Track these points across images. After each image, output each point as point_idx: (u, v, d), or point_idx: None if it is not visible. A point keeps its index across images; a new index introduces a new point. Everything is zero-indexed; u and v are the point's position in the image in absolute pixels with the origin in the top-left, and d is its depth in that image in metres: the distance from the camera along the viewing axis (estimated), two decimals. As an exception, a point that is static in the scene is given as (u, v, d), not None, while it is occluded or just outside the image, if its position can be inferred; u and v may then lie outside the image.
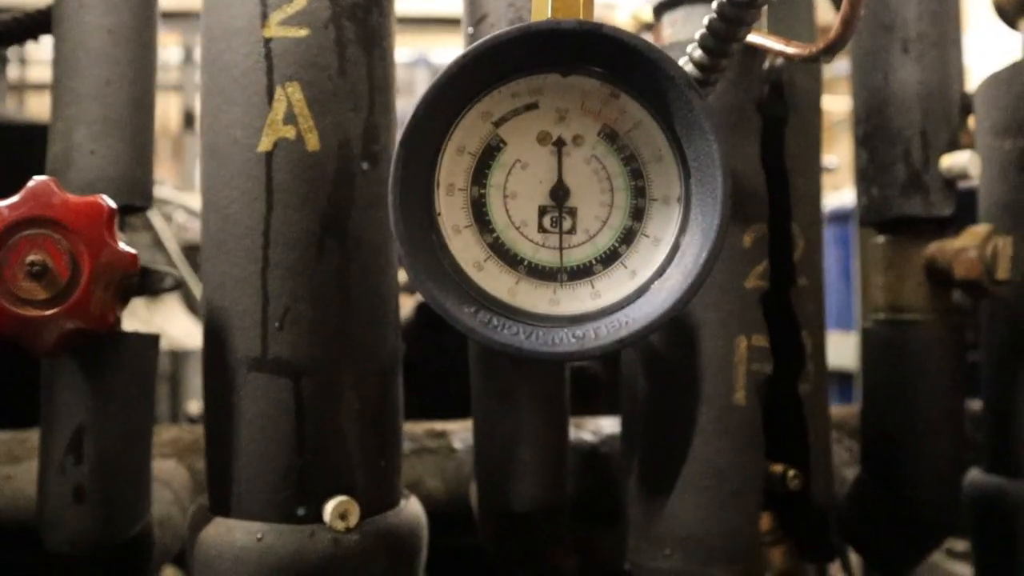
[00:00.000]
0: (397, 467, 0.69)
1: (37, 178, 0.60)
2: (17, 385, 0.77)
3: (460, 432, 0.93)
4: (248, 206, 0.63)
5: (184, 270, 1.74)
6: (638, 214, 0.48)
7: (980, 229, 0.73)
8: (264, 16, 0.64)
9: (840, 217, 1.77)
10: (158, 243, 1.81)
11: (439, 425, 0.94)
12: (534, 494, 0.69)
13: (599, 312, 0.46)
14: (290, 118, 0.63)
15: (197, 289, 1.66)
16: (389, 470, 0.67)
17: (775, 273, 0.67)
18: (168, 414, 1.73)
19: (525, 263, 0.47)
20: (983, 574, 0.80)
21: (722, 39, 0.53)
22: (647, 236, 0.48)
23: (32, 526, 0.68)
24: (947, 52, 0.77)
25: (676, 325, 0.67)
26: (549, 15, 0.47)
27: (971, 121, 0.82)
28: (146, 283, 0.75)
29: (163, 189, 2.00)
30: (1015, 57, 0.81)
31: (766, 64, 0.69)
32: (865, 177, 0.81)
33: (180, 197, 1.98)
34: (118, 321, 0.69)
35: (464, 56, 0.44)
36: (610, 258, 0.47)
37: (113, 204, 0.61)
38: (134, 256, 0.62)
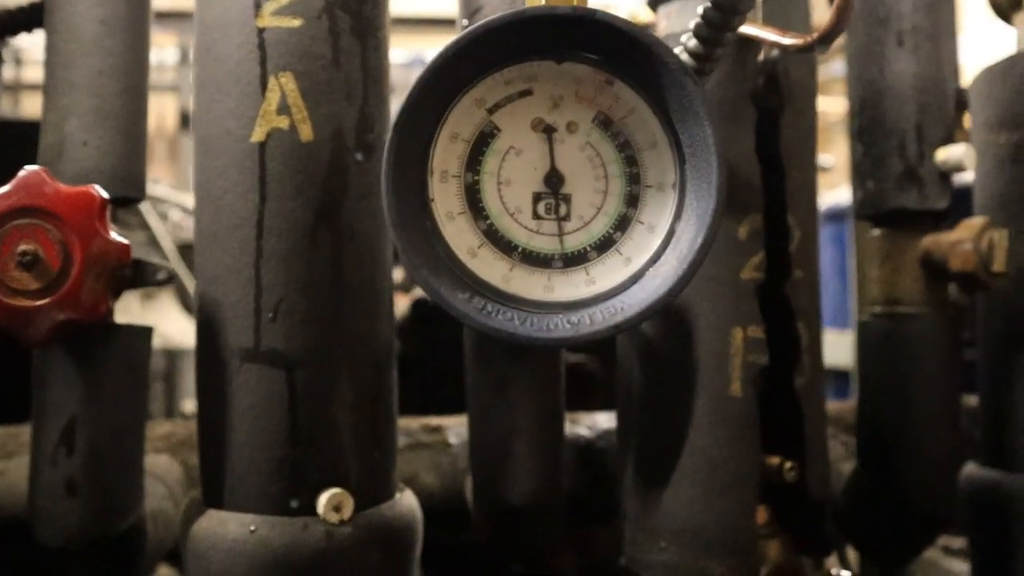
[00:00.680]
0: (392, 459, 0.68)
1: (28, 168, 0.59)
2: (10, 380, 0.76)
3: (456, 427, 0.93)
4: (241, 197, 0.63)
5: (180, 269, 1.73)
6: (633, 201, 0.47)
7: (976, 222, 0.73)
8: (257, 6, 0.63)
9: (836, 216, 1.77)
10: (153, 242, 1.81)
11: (434, 420, 0.94)
12: (530, 487, 0.69)
13: (594, 298, 0.46)
14: (283, 108, 0.63)
15: (192, 288, 1.65)
16: (384, 462, 0.67)
17: (771, 265, 0.67)
18: (164, 413, 1.73)
19: (519, 250, 0.47)
20: (980, 568, 0.79)
21: (717, 28, 0.53)
22: (642, 223, 0.47)
23: (25, 521, 0.67)
24: (942, 45, 0.77)
25: (671, 316, 0.66)
26: (544, 1, 0.47)
27: (967, 121, 0.82)
28: (139, 276, 0.75)
29: (159, 187, 2.00)
30: (1010, 52, 0.81)
31: (761, 56, 0.69)
32: (860, 170, 0.81)
33: (176, 196, 1.98)
34: (110, 312, 0.69)
35: (458, 41, 0.44)
36: (605, 245, 0.47)
37: (105, 194, 0.60)
38: (126, 246, 0.61)
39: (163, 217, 1.91)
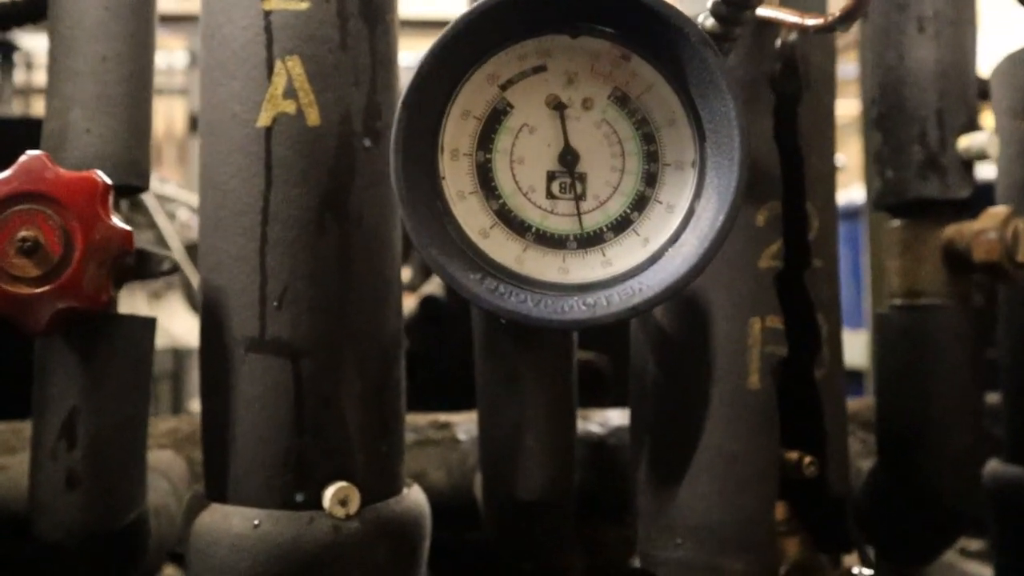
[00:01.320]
0: (400, 453, 0.67)
1: (30, 153, 0.58)
2: (13, 376, 0.75)
3: (464, 424, 0.91)
4: (247, 182, 0.62)
5: (188, 268, 1.72)
6: (651, 179, 0.46)
7: (1000, 210, 0.71)
8: (264, -12, 0.62)
9: (849, 214, 1.75)
10: (161, 241, 1.80)
11: (443, 416, 0.92)
12: (540, 482, 0.67)
13: (610, 280, 0.44)
14: (290, 92, 0.62)
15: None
16: (391, 456, 0.65)
17: (789, 254, 0.65)
18: (171, 413, 1.71)
19: (533, 230, 0.46)
20: (1004, 566, 0.77)
21: (735, 6, 0.52)
22: (660, 202, 0.46)
23: (27, 516, 0.66)
24: (964, 30, 0.75)
25: (687, 306, 0.65)
26: (558, -26, 0.46)
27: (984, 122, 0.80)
28: (143, 266, 0.73)
29: (167, 187, 1.99)
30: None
31: (779, 41, 0.67)
32: (879, 159, 0.79)
33: (184, 195, 1.97)
34: (113, 302, 0.67)
35: (469, 13, 0.43)
36: (622, 225, 0.46)
37: (108, 180, 0.59)
38: (129, 233, 0.60)
39: (171, 216, 1.91)
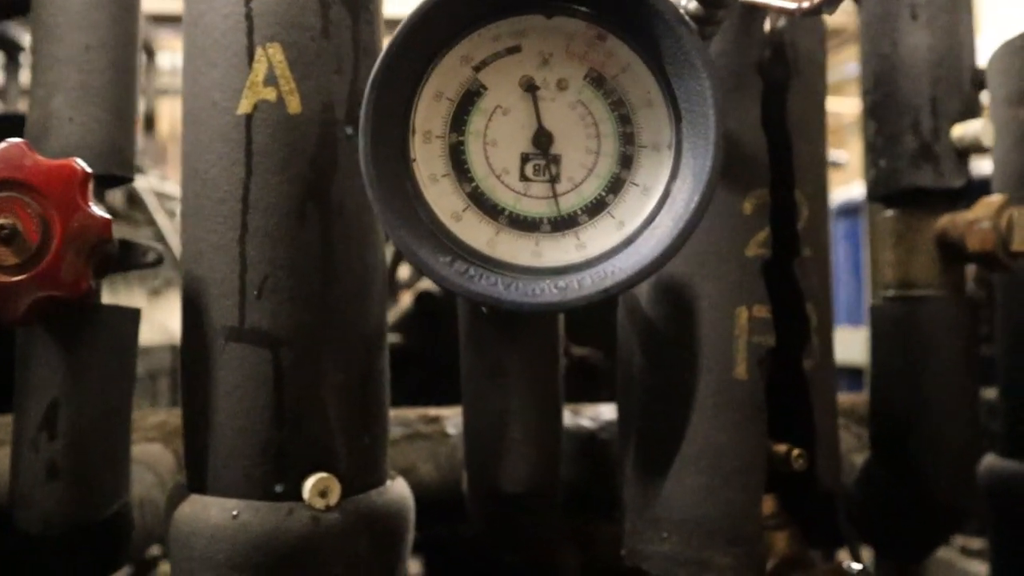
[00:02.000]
0: (383, 444, 0.66)
1: (8, 140, 0.58)
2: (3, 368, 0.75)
3: (454, 418, 0.90)
4: (227, 170, 0.61)
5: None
6: (626, 161, 0.45)
7: (994, 199, 0.70)
8: (245, -25, 0.62)
9: (849, 211, 1.73)
10: (160, 238, 1.80)
11: (433, 410, 0.92)
12: (525, 474, 0.66)
13: (584, 263, 0.43)
14: (271, 80, 0.61)
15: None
16: (374, 447, 0.64)
17: (777, 242, 0.64)
18: (168, 407, 1.71)
19: (506, 213, 0.45)
20: (1000, 562, 0.76)
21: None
22: (636, 184, 0.45)
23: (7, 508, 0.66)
24: (958, 17, 0.74)
25: (673, 295, 0.64)
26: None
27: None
28: (127, 257, 0.73)
29: (167, 184, 1.99)
30: (1030, 25, 0.78)
31: (768, 27, 0.66)
32: (873, 149, 0.77)
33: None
34: (94, 292, 0.67)
35: (438, -7, 0.42)
36: (597, 208, 0.45)
37: (87, 168, 0.59)
38: (108, 221, 0.59)
39: (171, 215, 1.91)
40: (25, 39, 2.77)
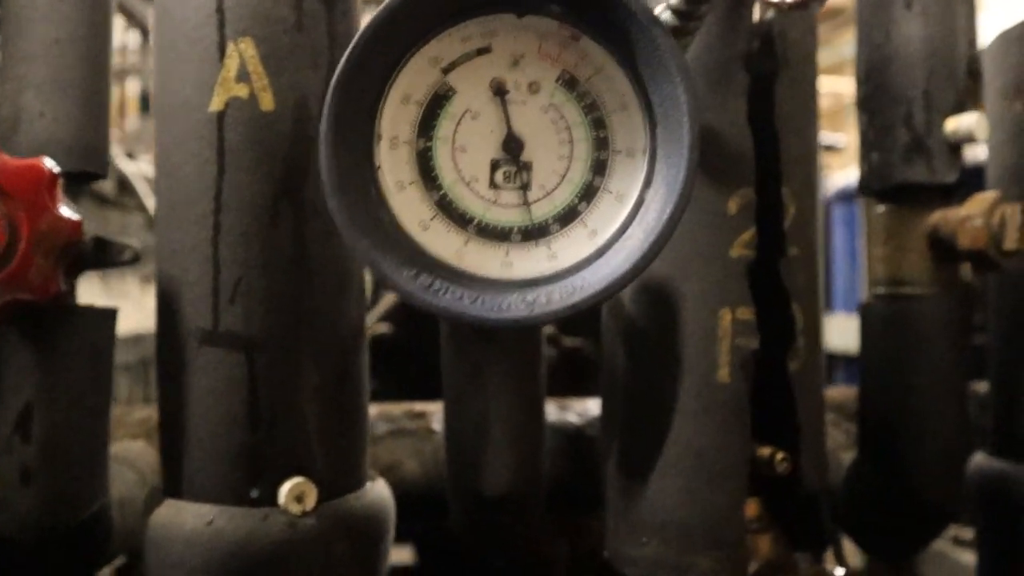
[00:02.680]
0: (362, 447, 0.65)
1: (-27, 140, 0.56)
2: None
3: (439, 413, 0.89)
4: (199, 169, 0.60)
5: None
6: (600, 167, 0.43)
7: (987, 196, 0.69)
8: (216, -33, 0.60)
9: (847, 197, 1.71)
10: (152, 224, 1.78)
11: (419, 405, 0.91)
12: (506, 477, 0.65)
13: (554, 275, 0.42)
14: (243, 76, 0.59)
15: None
16: (351, 450, 0.64)
17: (764, 242, 0.62)
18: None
19: (475, 222, 0.43)
20: (988, 561, 0.75)
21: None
22: (610, 192, 0.43)
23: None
24: (953, 7, 0.72)
25: (656, 296, 0.62)
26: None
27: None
28: (102, 255, 0.72)
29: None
30: (1028, 14, 0.76)
31: (756, 17, 0.64)
32: (865, 142, 0.76)
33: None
34: (66, 293, 0.65)
35: (403, -7, 0.40)
36: (569, 216, 0.43)
37: (56, 167, 0.57)
38: (78, 223, 0.58)
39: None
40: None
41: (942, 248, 0.70)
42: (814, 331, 0.66)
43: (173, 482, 0.61)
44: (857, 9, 0.76)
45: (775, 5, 0.56)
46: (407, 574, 1.19)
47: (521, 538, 0.71)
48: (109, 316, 0.69)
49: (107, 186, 1.66)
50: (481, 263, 0.43)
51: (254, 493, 0.59)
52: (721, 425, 0.61)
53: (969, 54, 0.75)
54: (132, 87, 2.84)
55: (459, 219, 0.43)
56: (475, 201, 0.43)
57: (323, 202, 0.61)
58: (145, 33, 3.29)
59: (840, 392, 0.95)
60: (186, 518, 0.58)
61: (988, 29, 0.80)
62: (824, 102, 0.73)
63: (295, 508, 0.58)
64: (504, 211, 0.43)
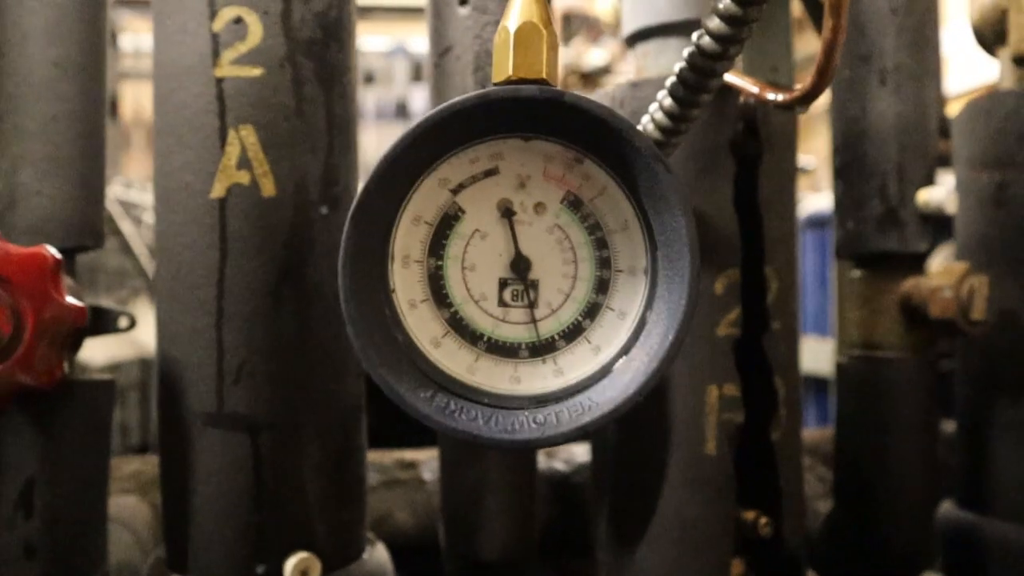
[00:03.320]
0: (362, 517, 0.67)
1: (-24, 230, 0.57)
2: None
3: (430, 462, 0.91)
4: (201, 255, 0.61)
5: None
6: (603, 286, 0.45)
7: (956, 268, 0.72)
8: (216, 54, 0.61)
9: (817, 223, 1.76)
10: (126, 248, 1.77)
11: (409, 454, 0.92)
12: (500, 542, 0.68)
13: (562, 392, 0.44)
14: (244, 163, 0.61)
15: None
16: (352, 521, 0.65)
17: (748, 318, 0.65)
18: (138, 422, 1.70)
19: (485, 339, 0.45)
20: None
21: (693, 89, 0.51)
22: (612, 309, 0.45)
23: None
24: (925, 83, 0.75)
25: (646, 373, 0.65)
26: (510, 72, 0.45)
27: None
28: (99, 324, 0.73)
29: (131, 192, 1.95)
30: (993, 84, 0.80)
31: (740, 100, 0.67)
32: (841, 209, 0.79)
33: (150, 198, 1.93)
34: (70, 371, 0.66)
35: (418, 126, 0.42)
36: (573, 333, 0.45)
37: (58, 255, 0.58)
38: (82, 310, 0.59)
39: (137, 222, 1.88)
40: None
41: (913, 315, 0.74)
42: (794, 400, 0.69)
43: (178, 557, 0.62)
44: (834, 82, 0.79)
45: (761, 100, 0.59)
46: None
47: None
48: (107, 387, 0.69)
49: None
50: (492, 379, 0.44)
51: (260, 569, 0.60)
52: (708, 497, 0.63)
53: (939, 118, 0.78)
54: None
55: (470, 336, 0.45)
56: (484, 319, 0.45)
57: (324, 284, 0.63)
58: (113, 37, 3.23)
59: (814, 434, 0.99)
60: (192, 596, 0.60)
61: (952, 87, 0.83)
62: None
63: (300, 584, 0.60)
64: (512, 328, 0.45)
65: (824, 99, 0.83)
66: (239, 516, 0.60)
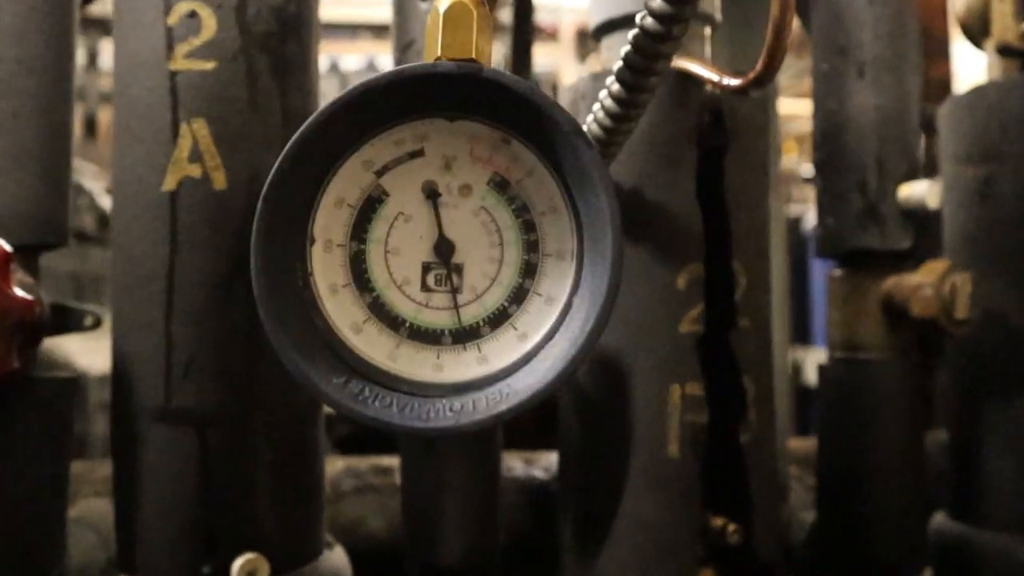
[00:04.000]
0: (319, 517, 0.65)
1: (-76, 221, 0.57)
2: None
3: (406, 468, 0.90)
4: (152, 248, 0.60)
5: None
6: (530, 270, 0.44)
7: (938, 266, 0.69)
8: (170, 48, 0.61)
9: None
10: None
11: (385, 460, 0.91)
12: (460, 548, 0.66)
13: (484, 379, 0.42)
14: (196, 156, 0.60)
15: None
16: (307, 521, 0.64)
17: (715, 315, 0.63)
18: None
19: (407, 324, 0.44)
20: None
21: (639, 72, 0.50)
22: (539, 295, 0.44)
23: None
24: (904, 76, 0.73)
25: (607, 370, 0.63)
26: (439, 52, 0.44)
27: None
28: (62, 322, 0.72)
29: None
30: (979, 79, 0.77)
31: (707, 91, 0.65)
32: (821, 206, 0.77)
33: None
34: (26, 363, 0.66)
35: (332, 105, 0.41)
36: (499, 319, 0.44)
37: (8, 247, 0.58)
38: (31, 302, 0.58)
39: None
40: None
41: (895, 315, 0.71)
42: (767, 401, 0.66)
43: (127, 558, 0.61)
44: (813, 75, 0.77)
45: (717, 86, 0.57)
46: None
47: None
48: (68, 385, 0.69)
49: (88, 222, 1.67)
50: (413, 366, 0.43)
51: (206, 569, 0.59)
52: (671, 500, 0.61)
53: (920, 116, 0.76)
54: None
55: (392, 322, 0.44)
56: (407, 304, 0.44)
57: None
58: (92, 57, 3.21)
59: (804, 444, 0.95)
60: (137, 596, 0.59)
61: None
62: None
63: (247, 585, 0.59)
64: (435, 314, 0.44)
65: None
66: (186, 514, 0.59)
